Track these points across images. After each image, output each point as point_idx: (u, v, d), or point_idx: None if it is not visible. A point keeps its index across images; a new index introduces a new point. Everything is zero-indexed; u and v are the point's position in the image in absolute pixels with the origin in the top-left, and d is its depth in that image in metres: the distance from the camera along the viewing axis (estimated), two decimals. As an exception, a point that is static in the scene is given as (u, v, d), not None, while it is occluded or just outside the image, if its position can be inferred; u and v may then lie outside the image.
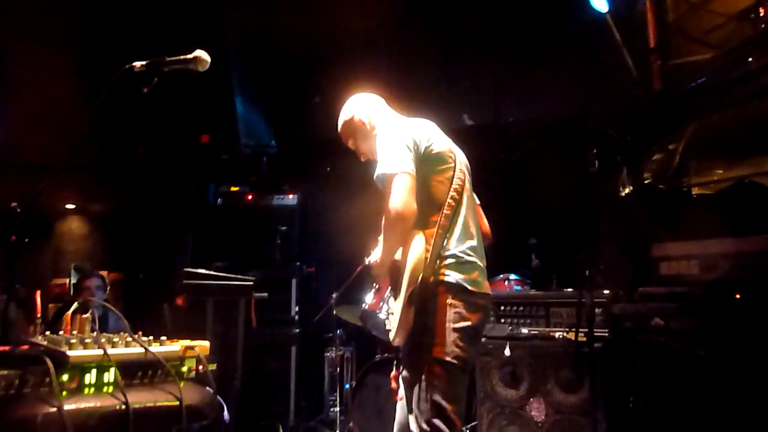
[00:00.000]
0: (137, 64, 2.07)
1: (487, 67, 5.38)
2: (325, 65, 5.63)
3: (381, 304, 4.54)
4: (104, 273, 5.80)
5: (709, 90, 3.22)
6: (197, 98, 4.77)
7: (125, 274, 6.07)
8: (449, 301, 2.16)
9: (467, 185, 2.45)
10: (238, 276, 4.07)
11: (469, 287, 2.21)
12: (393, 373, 2.34)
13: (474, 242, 2.34)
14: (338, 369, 5.13)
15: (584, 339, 3.22)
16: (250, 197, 5.53)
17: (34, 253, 6.08)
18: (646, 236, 3.82)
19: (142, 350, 1.65)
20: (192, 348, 1.78)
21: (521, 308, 3.79)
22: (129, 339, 1.68)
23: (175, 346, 1.75)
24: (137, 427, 1.50)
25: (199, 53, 2.09)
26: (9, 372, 1.46)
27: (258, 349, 5.03)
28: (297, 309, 5.35)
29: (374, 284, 4.71)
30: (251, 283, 4.06)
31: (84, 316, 1.79)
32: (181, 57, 2.08)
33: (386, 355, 4.40)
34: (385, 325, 4.46)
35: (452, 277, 2.20)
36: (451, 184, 2.34)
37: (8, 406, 1.43)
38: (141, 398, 1.56)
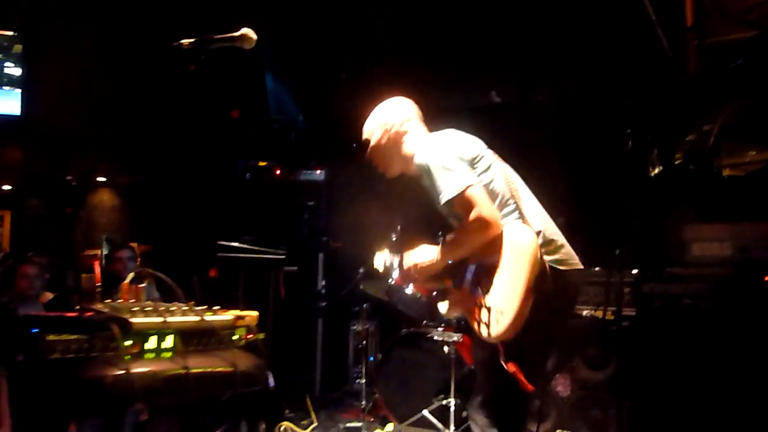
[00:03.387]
0: (185, 41, 2.12)
1: (515, 43, 5.36)
2: (351, 41, 5.65)
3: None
4: (134, 245, 5.95)
5: (748, 71, 3.20)
6: (228, 73, 4.84)
7: (154, 246, 6.21)
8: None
9: (517, 178, 2.48)
10: (270, 249, 4.17)
11: (559, 267, 2.24)
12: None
13: (543, 220, 2.38)
14: (363, 342, 5.26)
15: (612, 317, 3.27)
16: (278, 172, 5.61)
17: (67, 225, 6.25)
18: (676, 217, 3.84)
19: (198, 318, 1.74)
20: (242, 317, 1.87)
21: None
22: (185, 308, 1.77)
23: (227, 316, 1.84)
24: (196, 391, 1.60)
25: (246, 31, 2.14)
26: (78, 336, 1.55)
27: (285, 321, 5.16)
28: (323, 283, 5.46)
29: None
30: (283, 256, 4.16)
31: (140, 285, 1.89)
32: (228, 35, 2.13)
33: (411, 329, 4.49)
34: (411, 300, 4.58)
35: (547, 258, 2.19)
36: (502, 174, 2.39)
37: (79, 367, 1.53)
38: (198, 363, 1.66)
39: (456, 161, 2.25)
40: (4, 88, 5.98)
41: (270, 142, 5.53)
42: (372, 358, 5.22)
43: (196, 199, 5.86)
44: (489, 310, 2.13)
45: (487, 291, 2.18)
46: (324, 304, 5.42)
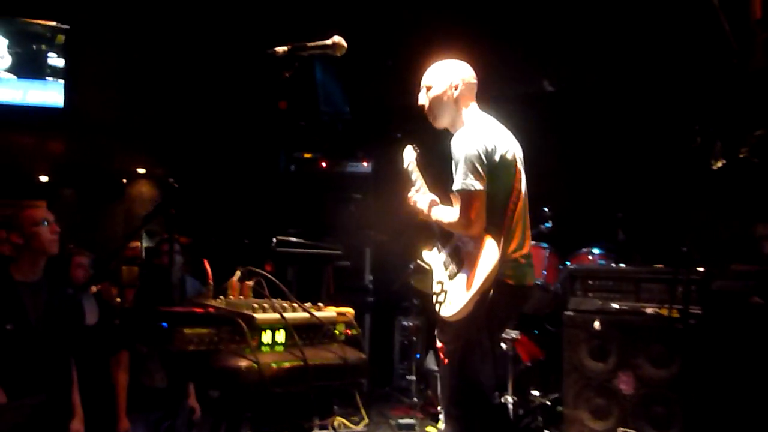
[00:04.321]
0: (279, 49, 2.35)
1: (570, 29, 5.50)
2: (398, 28, 5.85)
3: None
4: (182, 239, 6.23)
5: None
6: (278, 65, 5.06)
7: (195, 239, 6.51)
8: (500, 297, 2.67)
9: (523, 188, 2.87)
10: (325, 245, 4.41)
11: (518, 285, 2.78)
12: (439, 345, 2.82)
13: (527, 249, 2.85)
14: (413, 338, 5.49)
15: (677, 315, 3.46)
16: (323, 164, 5.85)
17: (108, 216, 6.57)
18: (740, 212, 3.99)
19: (307, 314, 1.99)
20: (343, 314, 2.11)
21: (610, 283, 4.03)
22: (295, 305, 2.02)
23: (331, 312, 2.08)
24: (314, 381, 1.85)
25: (338, 39, 2.36)
26: (209, 330, 1.81)
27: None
28: (371, 278, 5.70)
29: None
30: (339, 252, 4.40)
31: (248, 283, 2.14)
32: (321, 43, 2.36)
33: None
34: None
35: (512, 280, 2.74)
36: (513, 191, 2.80)
37: (211, 358, 1.78)
38: (312, 356, 1.90)
39: (478, 162, 2.69)
40: (47, 78, 6.26)
41: (316, 132, 5.76)
42: (418, 356, 5.45)
43: (239, 192, 6.13)
44: (446, 293, 2.76)
45: (452, 277, 2.77)
46: (371, 299, 5.66)
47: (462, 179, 2.68)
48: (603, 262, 4.63)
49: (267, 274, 2.14)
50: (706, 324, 3.51)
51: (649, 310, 3.77)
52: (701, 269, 3.64)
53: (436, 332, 2.90)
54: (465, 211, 2.67)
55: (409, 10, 5.71)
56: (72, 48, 6.44)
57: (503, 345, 4.24)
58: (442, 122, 2.94)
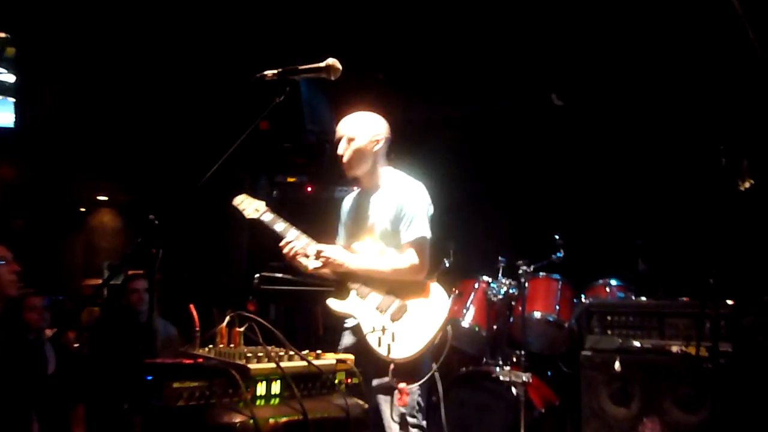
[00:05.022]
0: (268, 72, 2.46)
1: (581, 36, 5.63)
2: (390, 37, 5.97)
3: (464, 311, 4.94)
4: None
5: None
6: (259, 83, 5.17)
7: (166, 275, 6.54)
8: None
9: None
10: (314, 280, 4.45)
11: None
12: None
13: None
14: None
15: (706, 354, 3.55)
16: (309, 189, 5.94)
17: (64, 250, 6.58)
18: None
19: (305, 363, 2.06)
20: (343, 361, 2.19)
21: (631, 318, 4.11)
22: (291, 352, 2.09)
23: (330, 360, 2.16)
24: (314, 437, 1.92)
25: (332, 61, 2.47)
26: (200, 383, 1.88)
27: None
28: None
29: (454, 289, 5.12)
30: (330, 288, 4.42)
31: (239, 329, 2.21)
32: (314, 66, 2.46)
33: (471, 368, 4.77)
34: (467, 334, 4.87)
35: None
36: None
37: (203, 414, 1.85)
38: (312, 408, 1.97)
39: (429, 213, 3.33)
40: (-5, 96, 6.32)
41: (301, 154, 5.85)
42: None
43: (214, 222, 6.18)
44: (393, 334, 3.09)
45: (396, 319, 3.13)
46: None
47: (421, 227, 3.25)
48: (622, 294, 4.72)
49: (259, 319, 2.22)
50: (737, 363, 3.59)
51: (674, 349, 3.86)
52: (731, 302, 3.73)
53: (386, 378, 3.05)
54: (421, 257, 3.21)
55: (404, 16, 5.84)
56: (24, 62, 6.49)
57: (513, 389, 4.31)
58: (358, 173, 3.40)
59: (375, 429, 2.98)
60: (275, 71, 2.46)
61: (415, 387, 3.06)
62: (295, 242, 3.32)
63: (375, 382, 3.11)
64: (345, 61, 2.71)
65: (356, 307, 3.27)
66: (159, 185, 6.67)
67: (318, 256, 3.30)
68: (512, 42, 5.60)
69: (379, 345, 3.09)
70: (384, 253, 3.32)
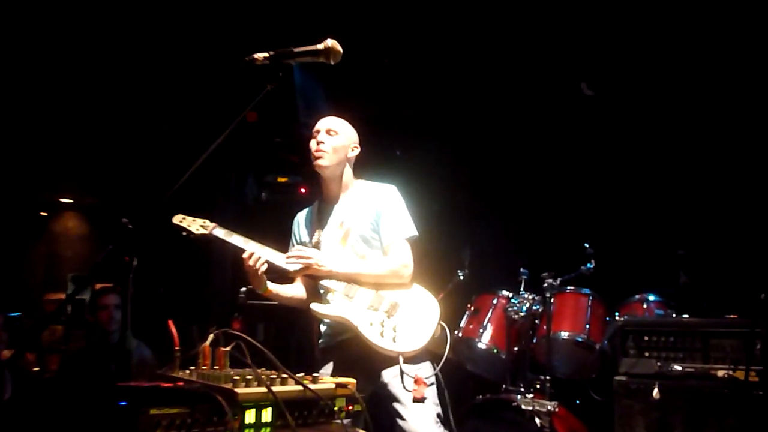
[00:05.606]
0: (259, 55, 2.49)
1: (613, 20, 5.67)
2: (396, 19, 6.00)
3: (480, 331, 4.96)
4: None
5: None
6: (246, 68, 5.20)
7: (139, 288, 6.55)
8: None
9: None
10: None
11: None
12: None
13: None
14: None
15: (756, 379, 3.56)
16: (303, 190, 5.97)
17: (23, 260, 6.58)
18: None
19: (300, 387, 2.09)
20: (344, 386, 2.22)
21: (671, 339, 4.13)
22: (285, 375, 2.13)
23: (329, 384, 2.19)
24: (311, 471, 1.94)
25: (331, 43, 2.51)
26: (181, 410, 1.91)
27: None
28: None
29: (469, 305, 5.15)
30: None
31: (224, 349, 2.24)
32: (311, 48, 2.50)
33: (489, 396, 4.79)
34: (485, 357, 4.89)
35: None
36: None
37: (185, 445, 1.88)
38: (307, 440, 2.00)
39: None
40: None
41: (294, 151, 5.88)
42: None
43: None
44: (395, 327, 3.40)
45: (391, 314, 3.44)
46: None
47: (406, 226, 3.63)
48: (661, 312, 4.74)
49: (247, 337, 2.25)
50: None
51: (720, 373, 3.88)
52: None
53: (397, 375, 3.41)
54: (407, 257, 3.58)
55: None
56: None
57: (537, 420, 4.33)
58: (329, 170, 3.68)
59: None
60: (267, 54, 2.49)
61: (431, 378, 3.44)
62: (260, 252, 3.44)
63: (386, 374, 3.42)
64: (346, 43, 2.72)
65: (345, 309, 3.47)
66: (131, 185, 6.68)
67: (299, 258, 3.48)
68: (538, 26, 5.64)
69: (382, 337, 3.38)
70: (366, 258, 3.61)
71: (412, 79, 6.21)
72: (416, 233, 3.65)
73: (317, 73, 5.89)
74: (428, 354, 3.55)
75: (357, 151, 3.77)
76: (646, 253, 5.28)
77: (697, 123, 5.38)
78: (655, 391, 3.91)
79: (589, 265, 4.85)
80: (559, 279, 4.77)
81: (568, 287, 5.00)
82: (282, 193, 6.00)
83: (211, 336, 2.27)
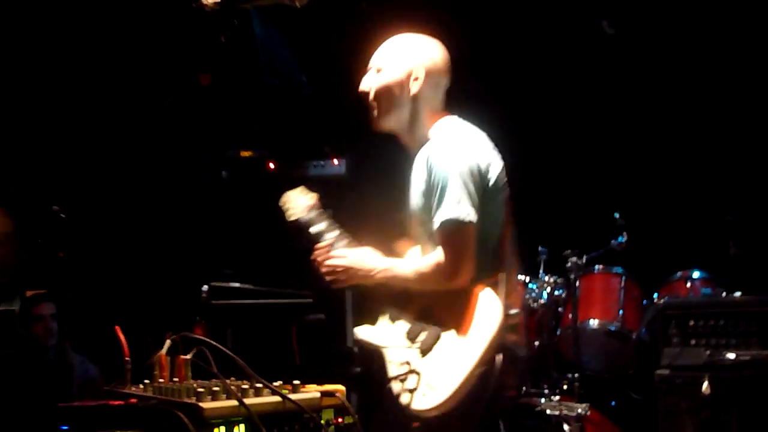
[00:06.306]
0: (209, 1, 2.45)
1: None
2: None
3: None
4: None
5: None
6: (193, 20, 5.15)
7: (76, 291, 6.48)
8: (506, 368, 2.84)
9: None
10: (287, 291, 4.44)
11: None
12: None
13: (512, 298, 3.03)
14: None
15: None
16: (272, 165, 5.90)
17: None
18: None
19: (278, 399, 2.07)
20: (332, 395, 2.20)
21: (721, 322, 4.13)
22: (258, 385, 2.10)
23: (313, 393, 2.17)
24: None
25: (297, -21, 2.46)
26: (132, 432, 1.88)
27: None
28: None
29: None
30: (308, 300, 4.42)
31: (185, 357, 2.21)
32: (272, -11, 2.45)
33: (506, 400, 4.78)
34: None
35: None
36: (506, 224, 3.06)
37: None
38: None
39: (473, 184, 2.86)
40: None
41: (259, 119, 5.81)
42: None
43: (143, 216, 6.14)
44: (419, 376, 2.78)
45: (425, 352, 2.83)
46: (358, 369, 5.69)
47: (452, 207, 2.81)
48: (708, 291, 4.74)
49: (212, 342, 2.22)
50: None
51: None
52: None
53: None
54: (454, 251, 2.82)
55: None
56: None
57: (566, 427, 4.33)
58: (388, 123, 3.06)
59: None
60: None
61: None
62: (333, 244, 3.12)
63: None
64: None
65: (386, 337, 3.00)
66: (62, 170, 6.60)
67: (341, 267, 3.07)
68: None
69: (399, 392, 2.83)
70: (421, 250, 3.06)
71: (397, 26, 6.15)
72: (463, 216, 2.80)
73: (283, 21, 5.82)
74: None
75: (421, 81, 2.98)
76: (688, 221, 5.26)
77: (745, 65, 5.35)
78: (705, 385, 3.91)
79: (620, 238, 4.84)
80: (585, 257, 4.75)
81: (597, 267, 4.99)
82: (247, 169, 5.92)
83: (168, 342, 2.24)
